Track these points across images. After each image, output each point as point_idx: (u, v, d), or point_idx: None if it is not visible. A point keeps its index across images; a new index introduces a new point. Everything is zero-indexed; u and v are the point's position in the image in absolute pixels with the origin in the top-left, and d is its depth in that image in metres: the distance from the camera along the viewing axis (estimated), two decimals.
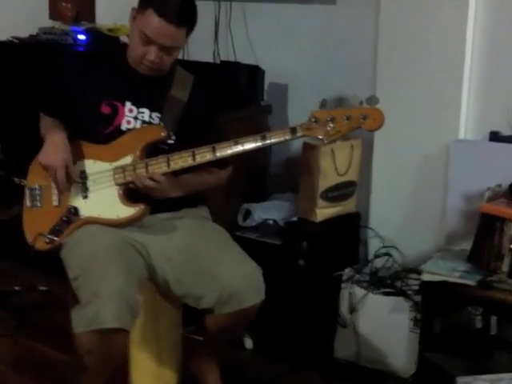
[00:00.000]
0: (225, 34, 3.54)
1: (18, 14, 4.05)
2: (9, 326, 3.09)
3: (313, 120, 2.24)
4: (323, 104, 2.27)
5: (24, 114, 3.19)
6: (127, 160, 2.36)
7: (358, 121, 2.22)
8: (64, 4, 3.78)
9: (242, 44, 3.49)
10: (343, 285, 2.89)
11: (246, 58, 3.40)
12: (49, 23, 3.92)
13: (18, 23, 3.85)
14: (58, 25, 3.77)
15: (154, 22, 2.27)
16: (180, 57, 3.54)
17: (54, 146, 2.36)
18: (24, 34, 3.77)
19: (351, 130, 2.24)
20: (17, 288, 3.40)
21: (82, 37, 3.49)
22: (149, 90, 2.43)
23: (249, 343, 3.04)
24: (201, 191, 2.53)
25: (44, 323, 3.17)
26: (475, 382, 2.07)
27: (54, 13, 3.89)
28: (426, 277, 2.50)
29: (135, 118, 2.43)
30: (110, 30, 3.48)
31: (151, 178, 2.28)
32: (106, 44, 2.90)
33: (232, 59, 3.46)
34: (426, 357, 2.32)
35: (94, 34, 3.52)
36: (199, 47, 3.57)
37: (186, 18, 2.32)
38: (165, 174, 2.31)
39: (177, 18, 2.27)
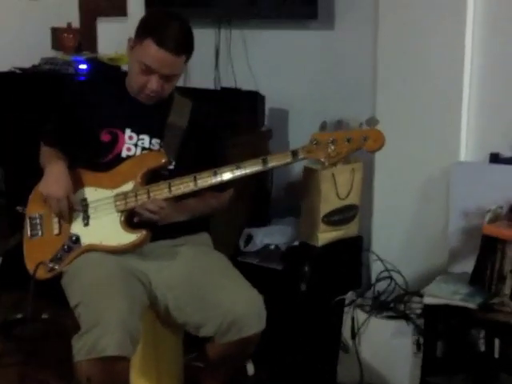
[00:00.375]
0: (225, 61, 3.58)
1: (21, 45, 4.08)
2: (15, 358, 3.08)
3: (314, 142, 2.25)
4: (323, 126, 2.28)
5: (26, 143, 3.23)
6: (128, 187, 2.37)
7: (358, 142, 2.23)
8: (66, 35, 3.82)
9: (242, 70, 3.52)
10: (345, 309, 2.88)
11: (246, 84, 3.43)
12: (51, 53, 3.97)
13: (20, 54, 3.88)
14: (60, 55, 3.80)
15: (153, 51, 2.29)
16: (181, 83, 3.62)
17: (55, 177, 2.38)
18: (26, 64, 3.80)
19: (352, 151, 2.25)
20: (19, 316, 3.39)
21: (83, 66, 3.51)
22: (148, 116, 2.45)
23: (251, 369, 3.02)
24: (203, 215, 2.53)
25: (50, 353, 3.13)
26: None
27: (57, 43, 3.93)
28: (427, 300, 2.49)
29: (135, 145, 2.44)
30: (110, 59, 3.52)
31: (147, 206, 2.28)
32: (107, 73, 2.92)
33: (232, 85, 3.48)
34: (428, 381, 2.29)
35: (95, 63, 3.55)
36: (200, 74, 3.63)
37: (184, 46, 2.34)
38: (166, 200, 2.32)
39: (176, 46, 2.29)
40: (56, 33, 3.91)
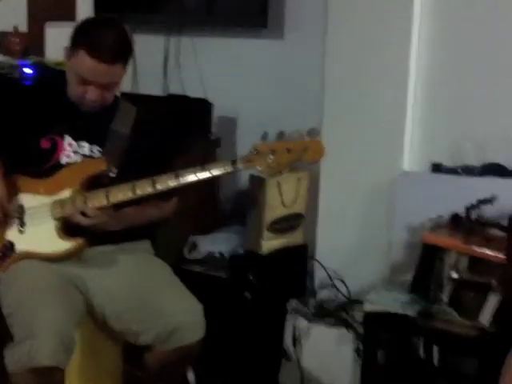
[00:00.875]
0: (174, 68, 3.56)
1: None
2: None
3: (254, 152, 2.25)
4: (264, 137, 2.28)
5: None
6: (66, 194, 2.33)
7: (298, 153, 2.24)
8: (12, 39, 3.75)
9: (191, 78, 3.50)
10: (288, 317, 2.88)
11: (194, 92, 3.41)
12: None
13: None
14: (5, 59, 3.74)
15: (87, 63, 2.24)
16: (129, 89, 3.60)
17: None
18: None
19: (292, 162, 2.26)
20: None
21: (28, 70, 3.45)
22: (89, 123, 2.41)
23: (191, 378, 2.99)
24: (144, 225, 2.49)
25: None
26: None
27: (3, 47, 3.85)
28: (367, 307, 2.50)
29: (75, 152, 2.41)
30: (57, 64, 3.45)
31: (83, 213, 2.25)
32: (52, 78, 2.88)
33: (181, 93, 3.47)
34: None
35: (41, 67, 3.49)
36: (148, 80, 3.61)
37: (119, 53, 2.29)
38: (103, 208, 2.28)
39: (110, 55, 2.25)
40: (3, 37, 3.84)
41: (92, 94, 2.31)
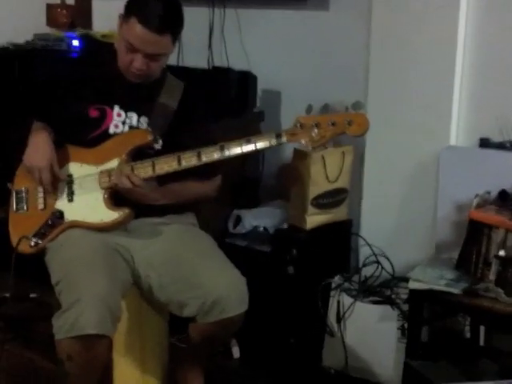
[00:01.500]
0: (219, 41, 3.54)
1: (16, 21, 4.06)
2: (1, 336, 3.06)
3: (298, 126, 2.23)
4: (309, 110, 2.27)
5: (17, 119, 3.20)
6: (113, 164, 2.36)
7: (342, 126, 2.22)
8: (60, 11, 3.79)
9: (235, 50, 3.48)
10: (332, 293, 2.87)
11: (239, 65, 3.39)
12: (46, 30, 3.94)
13: (15, 29, 3.86)
14: (53, 31, 3.78)
15: (137, 30, 2.27)
16: (174, 62, 3.60)
17: (37, 147, 2.37)
18: (21, 40, 3.78)
19: (336, 135, 2.24)
20: (7, 295, 3.38)
21: (75, 43, 3.49)
22: (138, 95, 2.43)
23: (236, 352, 3.01)
24: (189, 201, 2.51)
25: (37, 332, 3.12)
26: None
27: (51, 20, 3.89)
28: (412, 285, 2.47)
29: (123, 123, 2.43)
30: (103, 36, 3.49)
31: (129, 179, 2.27)
32: (100, 50, 2.90)
33: (225, 65, 3.45)
34: (409, 364, 2.28)
35: (88, 40, 3.53)
36: (194, 53, 3.59)
37: (169, 25, 2.30)
38: (150, 179, 2.30)
39: (159, 26, 2.26)
40: (50, 9, 3.87)
41: (138, 63, 2.32)
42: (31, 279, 3.27)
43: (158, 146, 2.42)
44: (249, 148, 2.26)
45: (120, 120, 2.42)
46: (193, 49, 3.60)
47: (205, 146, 2.31)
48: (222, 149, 2.28)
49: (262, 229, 3.10)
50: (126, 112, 2.43)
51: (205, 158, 2.28)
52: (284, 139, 2.25)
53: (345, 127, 2.22)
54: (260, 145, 2.26)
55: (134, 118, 2.44)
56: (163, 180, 2.35)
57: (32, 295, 3.43)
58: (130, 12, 2.30)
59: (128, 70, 2.37)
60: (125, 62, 2.36)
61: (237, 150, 2.27)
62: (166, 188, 2.39)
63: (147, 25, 2.25)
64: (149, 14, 2.26)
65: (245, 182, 3.32)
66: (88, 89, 2.43)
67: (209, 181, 2.51)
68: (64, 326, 2.08)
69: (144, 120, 2.44)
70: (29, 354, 3.00)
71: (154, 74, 2.40)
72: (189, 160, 2.29)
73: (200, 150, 2.28)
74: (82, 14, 3.95)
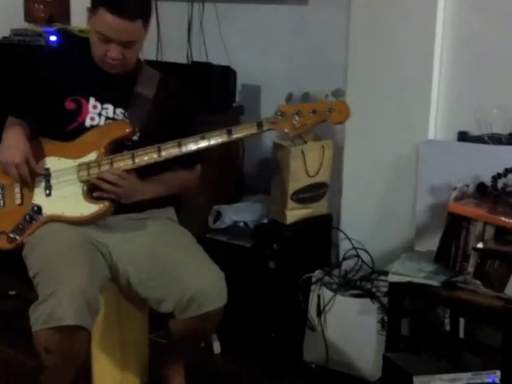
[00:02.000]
0: (198, 35, 3.52)
1: None
2: None
3: (279, 114, 2.24)
4: (289, 98, 2.27)
5: None
6: (92, 157, 2.34)
7: (323, 114, 2.23)
8: (37, 6, 3.76)
9: (214, 45, 3.48)
10: (312, 287, 2.86)
11: (218, 59, 3.38)
12: (24, 25, 3.91)
13: None
14: (31, 26, 3.75)
15: (107, 20, 2.25)
16: (153, 57, 3.58)
17: (11, 143, 2.34)
18: None
19: (317, 123, 2.25)
20: None
21: (53, 38, 3.46)
22: (113, 86, 2.41)
23: (217, 347, 3.01)
24: (169, 194, 2.49)
25: (19, 329, 3.10)
26: (433, 381, 2.04)
27: (29, 15, 3.87)
28: (391, 278, 2.47)
29: (99, 115, 2.41)
30: (81, 31, 3.46)
31: (111, 174, 2.26)
32: (77, 44, 2.88)
33: (204, 60, 3.44)
34: (388, 357, 2.28)
35: (66, 35, 3.50)
36: (173, 48, 3.59)
37: (138, 10, 2.28)
38: (130, 171, 2.29)
39: (129, 12, 2.25)
40: (28, 4, 3.85)
41: (113, 52, 2.30)
42: (10, 275, 3.26)
43: (136, 137, 2.40)
44: (229, 137, 2.26)
45: (96, 112, 2.40)
46: (172, 44, 3.60)
47: (185, 136, 2.30)
48: (202, 138, 2.28)
49: (242, 224, 3.09)
50: (101, 104, 2.41)
51: (185, 148, 2.28)
52: (265, 127, 2.26)
53: (326, 115, 2.23)
54: (241, 133, 2.27)
55: (109, 109, 2.42)
56: (143, 174, 2.34)
57: (11, 292, 3.41)
58: (97, 3, 2.28)
59: (104, 61, 2.35)
60: (100, 54, 2.34)
61: (217, 140, 2.27)
62: (146, 183, 2.37)
63: (117, 13, 2.23)
64: (117, 1, 2.24)
65: (226, 176, 3.31)
66: (63, 81, 2.41)
67: (190, 170, 2.50)
68: (41, 316, 2.06)
69: (120, 111, 2.42)
70: (11, 351, 2.98)
71: (130, 62, 2.39)
72: (169, 151, 2.28)
73: (180, 140, 2.28)
74: (60, 9, 3.92)
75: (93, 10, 2.30)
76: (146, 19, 2.32)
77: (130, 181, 2.30)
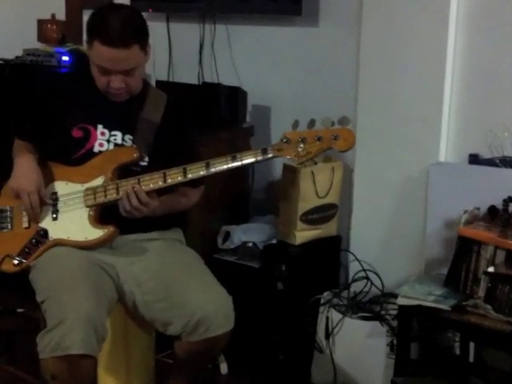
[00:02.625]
0: (209, 56, 3.54)
1: (7, 36, 4.08)
2: None
3: (284, 141, 2.24)
4: (295, 125, 2.26)
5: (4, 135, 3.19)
6: (98, 181, 2.35)
7: (328, 141, 2.22)
8: (50, 26, 3.78)
9: (225, 66, 3.49)
10: (321, 309, 2.85)
11: (229, 80, 3.39)
12: (37, 45, 3.94)
13: (6, 45, 3.86)
14: (43, 46, 3.77)
15: (103, 52, 2.24)
16: (165, 78, 3.60)
17: (24, 170, 2.36)
18: (12, 55, 3.77)
19: (322, 150, 2.23)
20: None
21: (65, 58, 3.48)
22: (120, 112, 2.41)
23: (224, 368, 2.99)
24: (172, 212, 2.48)
25: (24, 348, 3.09)
26: None
27: (41, 35, 3.89)
28: (401, 301, 2.45)
29: (108, 141, 2.41)
30: None
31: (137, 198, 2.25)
32: (87, 66, 2.90)
33: (215, 81, 3.45)
34: (395, 381, 2.26)
35: (78, 55, 3.52)
36: (184, 69, 3.61)
37: (132, 35, 2.26)
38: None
39: (123, 40, 2.23)
40: (41, 24, 3.87)
41: (115, 83, 2.30)
42: (18, 294, 3.26)
43: (144, 162, 2.40)
44: (235, 164, 2.26)
45: (104, 139, 2.41)
46: (183, 64, 3.62)
47: (191, 161, 2.30)
48: (207, 166, 2.27)
49: (250, 244, 3.08)
50: (109, 131, 2.41)
51: (190, 175, 2.28)
52: (270, 155, 2.25)
53: (331, 142, 2.21)
54: (246, 160, 2.26)
55: (118, 136, 2.42)
56: (147, 192, 2.31)
57: (19, 310, 3.41)
58: (91, 36, 2.27)
59: (107, 91, 2.35)
60: (102, 85, 2.34)
61: (223, 167, 2.27)
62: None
63: (110, 43, 2.22)
64: (108, 32, 2.22)
65: (235, 196, 3.31)
66: (71, 108, 2.41)
67: (193, 190, 2.50)
68: (49, 345, 2.06)
69: (128, 137, 2.42)
70: (12, 368, 2.98)
71: (135, 88, 2.39)
72: (174, 177, 2.28)
73: (186, 166, 2.28)
74: (72, 29, 3.95)
75: (88, 43, 2.30)
76: (142, 43, 2.30)
77: (155, 203, 2.29)
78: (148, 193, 2.27)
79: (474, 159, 2.75)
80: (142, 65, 2.36)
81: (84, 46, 3.71)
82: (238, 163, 2.26)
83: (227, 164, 2.26)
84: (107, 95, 2.37)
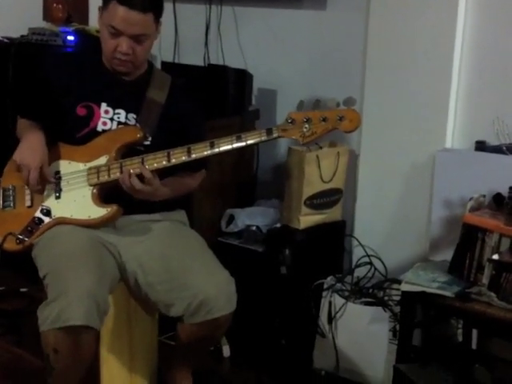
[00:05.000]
0: (215, 38, 3.51)
1: (13, 15, 4.04)
2: None
3: (289, 121, 2.23)
4: (300, 106, 2.25)
5: (6, 114, 3.17)
6: (102, 161, 2.34)
7: (334, 122, 2.20)
8: (55, 5, 3.75)
9: (231, 48, 3.46)
10: (324, 293, 2.84)
11: (235, 63, 3.37)
12: (42, 24, 3.92)
13: (12, 24, 3.84)
14: (48, 26, 3.75)
15: (118, 12, 2.25)
16: (170, 59, 3.58)
17: (31, 146, 2.35)
18: (17, 34, 3.76)
19: (327, 131, 2.22)
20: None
21: (70, 37, 3.46)
22: (125, 91, 2.42)
23: (226, 351, 2.98)
24: (172, 196, 2.46)
25: (27, 328, 3.09)
26: None
27: (47, 14, 3.87)
28: (404, 287, 2.45)
29: (111, 119, 2.41)
30: (98, 31, 3.44)
31: (140, 176, 2.24)
32: (93, 45, 2.88)
33: (221, 63, 3.43)
34: (398, 368, 2.25)
35: (83, 35, 3.50)
36: (190, 51, 3.58)
37: (150, 3, 2.29)
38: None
39: (141, 4, 2.25)
40: (46, 3, 3.85)
41: (123, 46, 2.30)
42: (22, 273, 3.26)
43: (147, 141, 2.39)
44: (239, 144, 2.25)
45: (108, 117, 2.40)
46: (189, 46, 3.59)
47: (195, 141, 2.29)
48: (212, 145, 2.26)
49: (255, 228, 3.07)
50: (113, 109, 2.41)
51: (194, 155, 2.27)
52: (275, 135, 2.24)
53: (336, 123, 2.20)
54: (251, 140, 2.25)
55: (121, 114, 2.41)
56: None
57: (22, 289, 3.41)
58: None
59: (113, 58, 2.34)
60: (109, 50, 2.33)
61: (227, 147, 2.26)
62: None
63: (128, 4, 2.24)
64: None
65: (240, 180, 3.29)
66: (75, 86, 2.41)
67: (195, 174, 2.50)
68: (49, 317, 2.06)
69: (132, 116, 2.42)
70: (18, 350, 2.96)
71: (140, 59, 2.38)
72: (178, 157, 2.27)
73: (190, 146, 2.27)
74: (78, 9, 3.92)
75: (104, 6, 2.31)
76: (157, 14, 2.32)
77: (157, 182, 2.29)
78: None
79: (481, 146, 2.73)
80: (151, 37, 2.35)
81: (90, 27, 3.73)
82: (243, 143, 2.25)
83: (232, 144, 2.25)
84: (111, 63, 2.37)
